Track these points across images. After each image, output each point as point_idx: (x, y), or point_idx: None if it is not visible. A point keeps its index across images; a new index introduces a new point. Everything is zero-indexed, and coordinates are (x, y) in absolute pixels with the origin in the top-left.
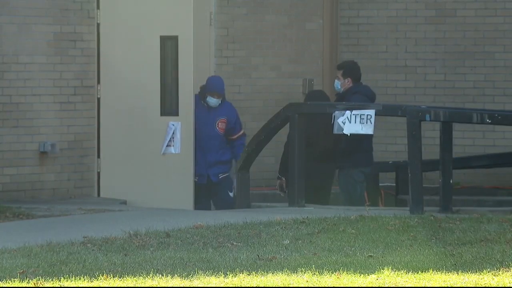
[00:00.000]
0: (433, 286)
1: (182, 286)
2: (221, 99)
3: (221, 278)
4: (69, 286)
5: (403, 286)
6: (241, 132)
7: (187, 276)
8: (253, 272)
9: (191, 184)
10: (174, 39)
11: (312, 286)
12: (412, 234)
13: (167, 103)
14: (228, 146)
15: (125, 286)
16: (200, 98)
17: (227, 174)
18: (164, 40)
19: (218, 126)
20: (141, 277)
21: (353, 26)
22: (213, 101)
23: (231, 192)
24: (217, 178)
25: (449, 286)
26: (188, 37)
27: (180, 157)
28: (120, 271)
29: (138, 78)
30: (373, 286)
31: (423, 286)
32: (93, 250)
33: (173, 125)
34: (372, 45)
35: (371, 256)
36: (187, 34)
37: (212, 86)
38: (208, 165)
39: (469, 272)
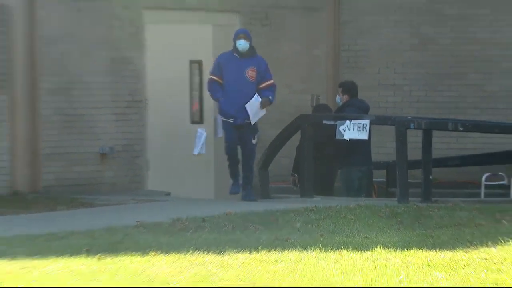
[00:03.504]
0: (416, 261)
1: (215, 260)
2: (250, 44)
3: (247, 254)
4: (125, 259)
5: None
6: (270, 81)
7: (219, 252)
8: (272, 250)
9: (212, 177)
10: (199, 63)
11: (319, 260)
12: (399, 219)
13: (194, 113)
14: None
15: (170, 260)
16: (232, 51)
17: (254, 127)
18: (191, 63)
19: (248, 74)
20: (183, 253)
21: (352, 52)
22: (241, 43)
23: (254, 139)
24: (243, 121)
25: (429, 260)
26: (210, 61)
27: (204, 157)
28: (166, 249)
29: (173, 93)
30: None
31: (408, 261)
32: (144, 232)
33: (201, 130)
34: (367, 67)
35: (366, 237)
36: (209, 58)
37: (238, 31)
38: (236, 109)
39: (445, 250)
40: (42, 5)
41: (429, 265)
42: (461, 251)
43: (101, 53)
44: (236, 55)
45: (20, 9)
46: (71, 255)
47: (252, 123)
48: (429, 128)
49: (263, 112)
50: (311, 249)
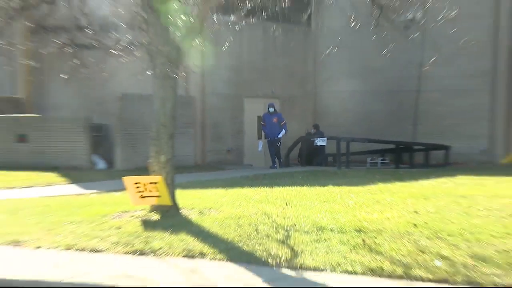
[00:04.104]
0: (338, 190)
1: (269, 190)
2: (274, 109)
3: (280, 187)
4: (236, 190)
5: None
6: (284, 121)
7: (270, 187)
8: (290, 186)
9: (263, 159)
10: (260, 117)
11: (307, 190)
12: (337, 175)
13: (258, 134)
14: (280, 127)
15: (252, 189)
16: (266, 113)
17: (278, 139)
18: (258, 117)
19: (274, 121)
20: (257, 187)
21: (322, 112)
22: (271, 109)
23: (279, 144)
24: (274, 139)
25: (349, 190)
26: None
27: (261, 152)
28: (250, 185)
29: (252, 128)
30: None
31: (340, 191)
32: (243, 179)
33: (260, 141)
34: (329, 117)
35: (325, 182)
36: (261, 114)
37: (268, 104)
38: (271, 135)
39: (355, 186)
40: (208, 95)
41: (350, 192)
42: (360, 187)
43: (228, 114)
44: (269, 114)
45: (198, 97)
46: (215, 188)
47: (278, 137)
48: (349, 141)
49: (283, 133)
50: (304, 186)
